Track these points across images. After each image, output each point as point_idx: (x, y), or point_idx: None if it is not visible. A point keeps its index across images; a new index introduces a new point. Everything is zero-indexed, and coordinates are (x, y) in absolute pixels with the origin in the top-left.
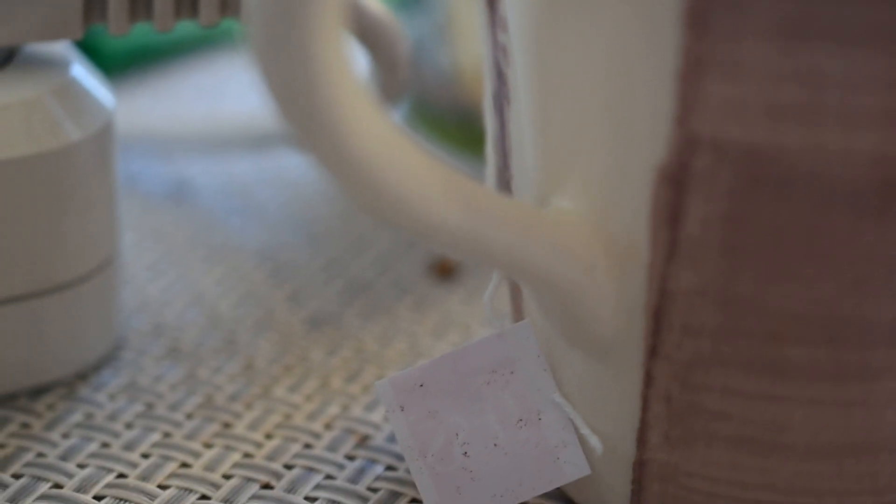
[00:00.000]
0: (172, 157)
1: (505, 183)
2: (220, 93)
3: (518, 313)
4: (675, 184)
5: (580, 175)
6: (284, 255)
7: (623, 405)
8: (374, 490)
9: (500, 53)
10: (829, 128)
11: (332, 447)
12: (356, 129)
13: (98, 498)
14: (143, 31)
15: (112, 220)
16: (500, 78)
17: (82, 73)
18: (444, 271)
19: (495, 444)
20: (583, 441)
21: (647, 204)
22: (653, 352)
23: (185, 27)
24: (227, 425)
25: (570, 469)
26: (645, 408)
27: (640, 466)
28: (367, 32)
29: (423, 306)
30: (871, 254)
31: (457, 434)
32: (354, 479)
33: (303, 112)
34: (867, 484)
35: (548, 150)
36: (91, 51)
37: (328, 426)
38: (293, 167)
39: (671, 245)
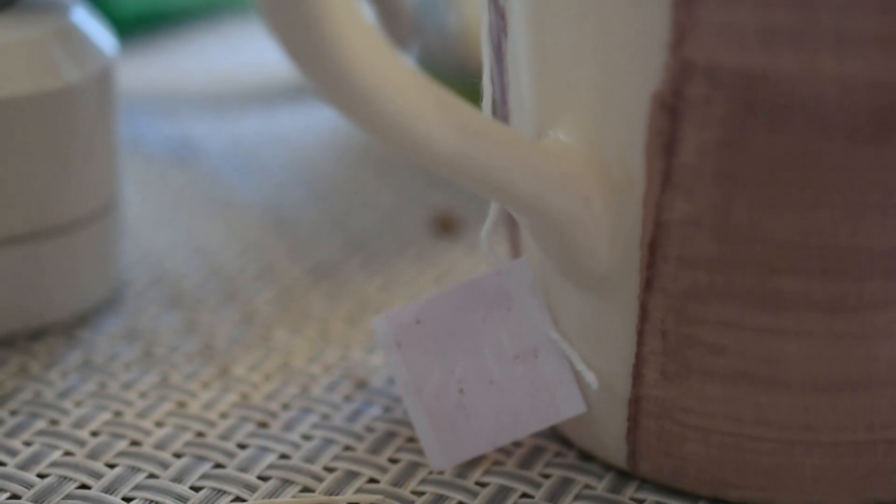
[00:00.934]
0: (178, 116)
1: (502, 118)
2: (228, 58)
3: (516, 251)
4: (669, 111)
5: (576, 107)
6: (287, 210)
7: (618, 340)
8: (371, 430)
9: None
10: (823, 52)
11: (329, 389)
12: (353, 51)
13: (94, 434)
14: None
15: (112, 166)
16: (498, 11)
17: (83, 17)
18: (447, 226)
19: (491, 382)
20: (579, 378)
21: (642, 133)
22: (648, 284)
23: None
24: (224, 368)
25: (566, 407)
26: (640, 342)
27: (635, 403)
28: None
29: (425, 259)
30: (866, 182)
31: (453, 371)
32: (351, 419)
33: (302, 35)
34: (862, 419)
35: (544, 82)
36: (101, 15)
37: (327, 369)
38: (298, 128)
39: (666, 174)
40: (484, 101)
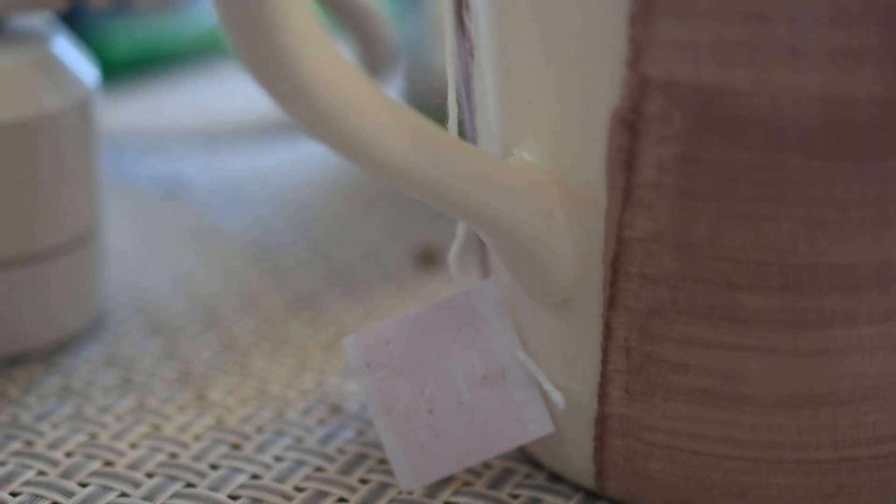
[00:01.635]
0: (168, 154)
1: (471, 141)
2: (218, 97)
3: (485, 272)
4: (628, 128)
5: (539, 125)
6: (271, 243)
7: (584, 359)
8: (343, 452)
9: (462, 8)
10: (778, 67)
11: (304, 413)
12: (311, 65)
13: (69, 455)
14: (143, 39)
15: (92, 194)
16: (464, 34)
17: (65, 47)
18: (427, 259)
19: (460, 402)
20: (547, 398)
21: (603, 150)
22: (611, 302)
23: (185, 33)
24: (201, 392)
25: (534, 427)
26: (605, 360)
27: (601, 422)
28: (346, 11)
29: (406, 290)
30: (823, 197)
31: (422, 391)
32: (324, 442)
33: (259, 47)
34: (825, 437)
35: (508, 102)
36: (93, 57)
37: (303, 394)
38: (286, 165)
39: (626, 191)
40: (450, 121)
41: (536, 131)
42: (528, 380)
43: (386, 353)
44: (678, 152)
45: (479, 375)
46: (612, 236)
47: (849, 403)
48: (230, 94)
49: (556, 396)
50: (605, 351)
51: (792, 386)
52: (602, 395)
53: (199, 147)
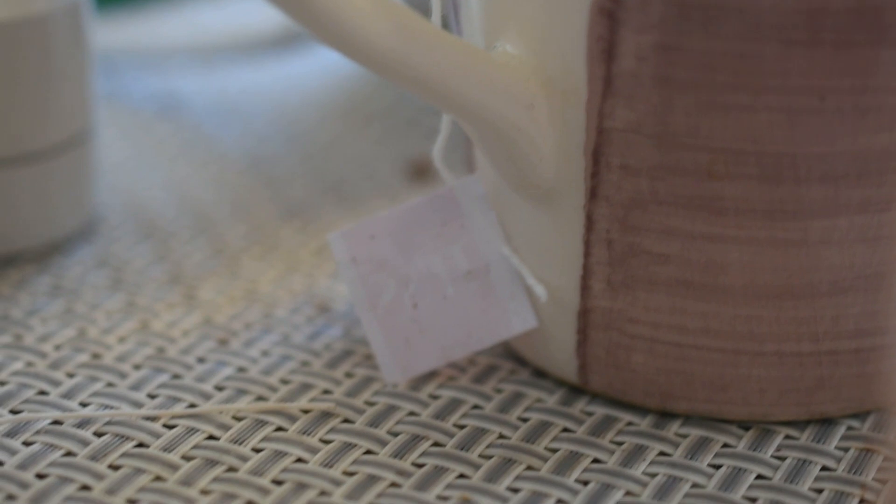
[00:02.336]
0: (164, 72)
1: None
2: (214, 17)
3: (470, 169)
4: (608, 17)
5: (520, 17)
6: (265, 156)
7: (566, 252)
8: (329, 348)
9: None
10: None
11: (292, 312)
12: None
13: (57, 348)
14: None
15: (85, 97)
16: None
17: None
18: (420, 172)
19: (444, 297)
20: (530, 293)
21: (583, 40)
22: (592, 194)
23: None
24: (191, 290)
25: (518, 321)
26: (587, 253)
27: (584, 315)
28: None
29: (398, 201)
30: (801, 85)
31: (407, 286)
32: (310, 339)
33: None
34: (806, 329)
35: None
36: None
37: (291, 295)
38: (282, 82)
39: (606, 81)
40: (433, 14)
41: (518, 23)
42: (512, 274)
43: (371, 248)
44: (657, 41)
45: (464, 270)
46: (593, 127)
47: (829, 296)
48: (226, 13)
49: (540, 290)
50: (587, 243)
51: (771, 277)
52: (584, 288)
53: (194, 65)
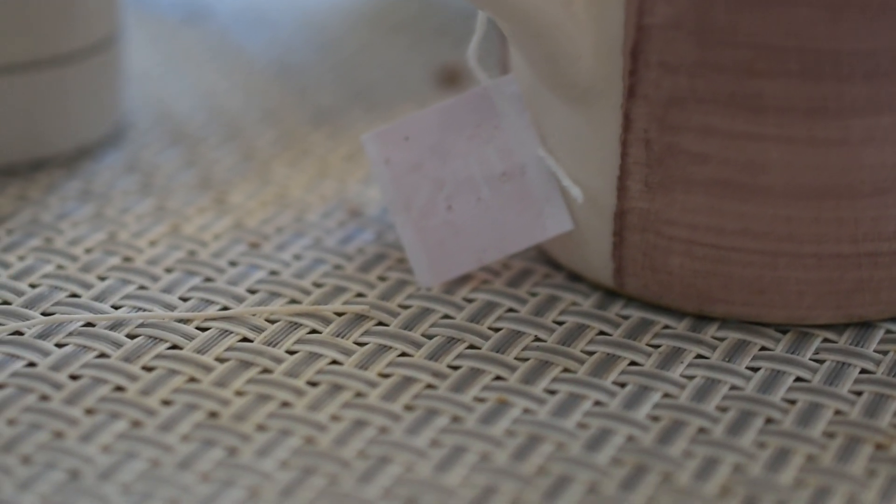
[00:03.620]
0: None
1: None
2: None
3: (505, 70)
4: None
5: None
6: (293, 64)
7: (603, 153)
8: (362, 252)
9: None
10: None
11: (324, 216)
12: None
13: (88, 251)
14: None
15: (111, 0)
16: None
17: None
18: (450, 78)
19: (479, 199)
20: (565, 195)
21: None
22: (631, 92)
23: None
24: (221, 195)
25: (552, 224)
26: (624, 153)
27: (620, 217)
28: None
29: (427, 107)
30: None
31: (441, 188)
32: (343, 242)
33: None
34: (846, 230)
35: None
36: None
37: (323, 199)
38: None
39: None
40: None
41: None
42: (547, 176)
43: (405, 149)
44: None
45: (498, 172)
46: (632, 24)
47: (869, 196)
48: None
49: (575, 192)
50: (625, 143)
51: (811, 177)
52: (621, 189)
53: None
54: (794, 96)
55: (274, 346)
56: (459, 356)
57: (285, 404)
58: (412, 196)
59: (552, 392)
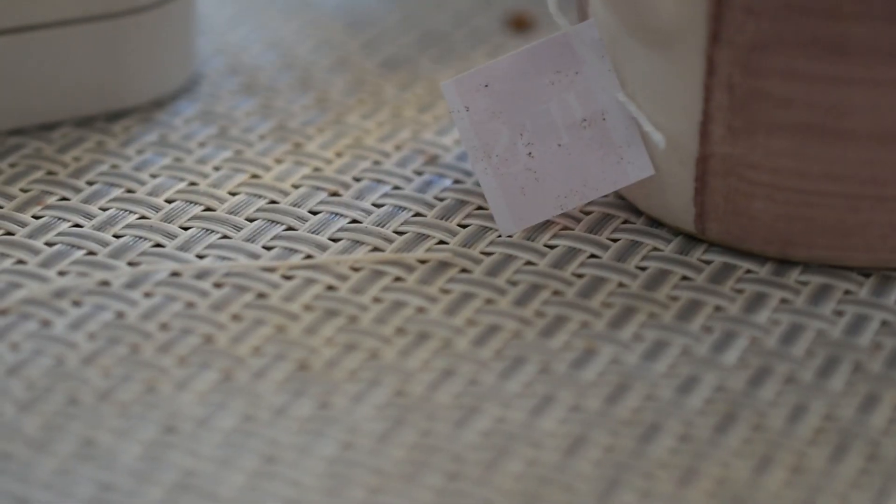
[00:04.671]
0: None
1: None
2: None
3: (584, 16)
4: None
5: None
6: (362, 10)
7: (686, 98)
8: (441, 199)
9: None
10: None
11: (400, 164)
12: None
13: (169, 201)
14: None
15: None
16: None
17: None
18: (520, 24)
19: (559, 145)
20: (647, 140)
21: None
22: (715, 37)
23: None
24: (298, 145)
25: (633, 170)
26: (707, 98)
27: (703, 162)
28: None
29: (498, 54)
30: None
31: (521, 134)
32: (421, 190)
33: None
34: None
35: None
36: None
37: (398, 147)
38: None
39: None
40: None
41: None
42: (628, 122)
43: (484, 95)
44: None
45: (579, 118)
46: None
47: None
48: None
49: (657, 137)
50: (708, 88)
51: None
52: (704, 134)
53: None
54: (880, 39)
55: (360, 295)
56: (545, 302)
57: (374, 354)
58: (492, 143)
59: (639, 338)
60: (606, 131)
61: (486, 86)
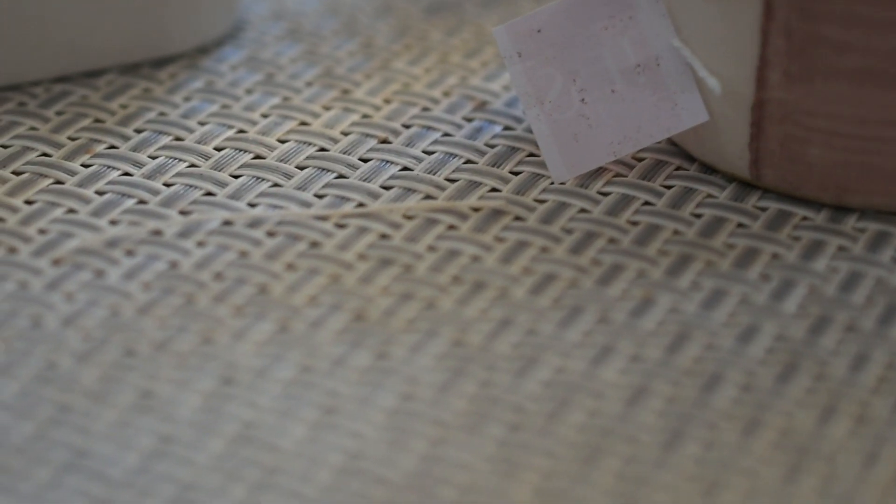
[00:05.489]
0: None
1: None
2: None
3: None
4: None
5: None
6: None
7: (742, 43)
8: (492, 146)
9: None
10: None
11: (450, 110)
12: None
13: (218, 149)
14: None
15: None
16: None
17: None
18: None
19: (613, 91)
20: (701, 86)
21: None
22: None
23: None
24: (345, 91)
25: (688, 116)
26: (764, 43)
27: (758, 108)
28: None
29: (545, 1)
30: None
31: (574, 80)
32: (472, 137)
33: None
34: None
35: None
36: None
37: (447, 93)
38: None
39: None
40: None
41: None
42: (683, 67)
43: (537, 41)
44: None
45: (632, 64)
46: None
47: None
48: None
49: (713, 82)
50: (765, 33)
51: None
52: (760, 80)
53: None
54: None
55: (414, 243)
56: (601, 251)
57: (430, 303)
58: (545, 89)
59: (697, 286)
60: (660, 77)
61: (539, 31)
